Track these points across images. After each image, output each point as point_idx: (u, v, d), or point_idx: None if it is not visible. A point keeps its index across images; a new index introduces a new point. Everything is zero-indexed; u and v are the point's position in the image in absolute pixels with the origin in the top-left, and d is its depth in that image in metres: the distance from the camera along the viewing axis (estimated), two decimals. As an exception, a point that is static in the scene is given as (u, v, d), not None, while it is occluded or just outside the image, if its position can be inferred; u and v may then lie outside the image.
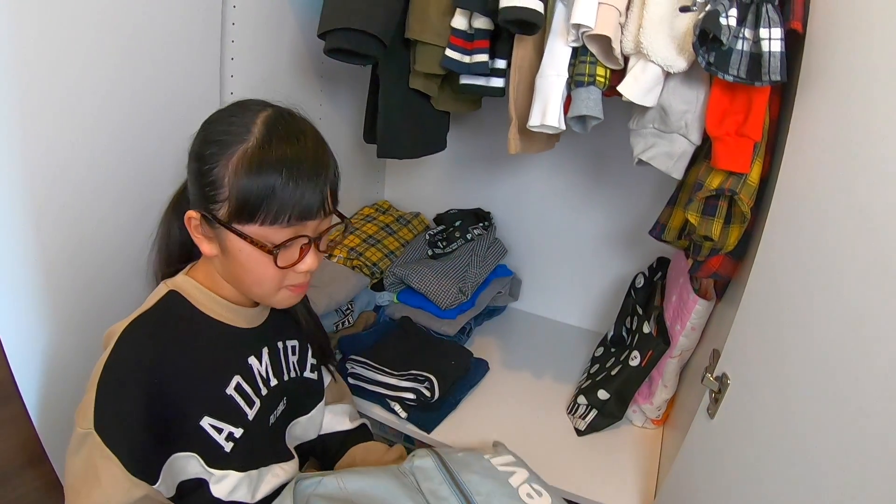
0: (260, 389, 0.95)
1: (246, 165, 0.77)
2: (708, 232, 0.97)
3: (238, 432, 0.90)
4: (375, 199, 2.03)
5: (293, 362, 1.05)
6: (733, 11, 0.85)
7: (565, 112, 1.05)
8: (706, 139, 1.01)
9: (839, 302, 0.68)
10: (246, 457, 0.92)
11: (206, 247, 0.85)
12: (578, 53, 1.02)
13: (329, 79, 1.56)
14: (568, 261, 1.82)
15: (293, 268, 0.86)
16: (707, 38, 0.86)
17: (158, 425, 0.81)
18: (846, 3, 0.76)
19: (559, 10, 1.02)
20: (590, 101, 1.01)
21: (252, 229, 0.80)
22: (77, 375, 1.04)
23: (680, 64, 0.94)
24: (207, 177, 0.80)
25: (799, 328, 0.75)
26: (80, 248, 1.02)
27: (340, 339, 1.51)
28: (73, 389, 1.04)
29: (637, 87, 0.97)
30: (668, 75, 0.98)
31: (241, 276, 0.87)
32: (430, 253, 1.75)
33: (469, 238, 1.74)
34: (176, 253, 0.95)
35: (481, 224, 1.80)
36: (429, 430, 1.32)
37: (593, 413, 1.35)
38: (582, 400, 1.38)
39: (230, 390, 0.90)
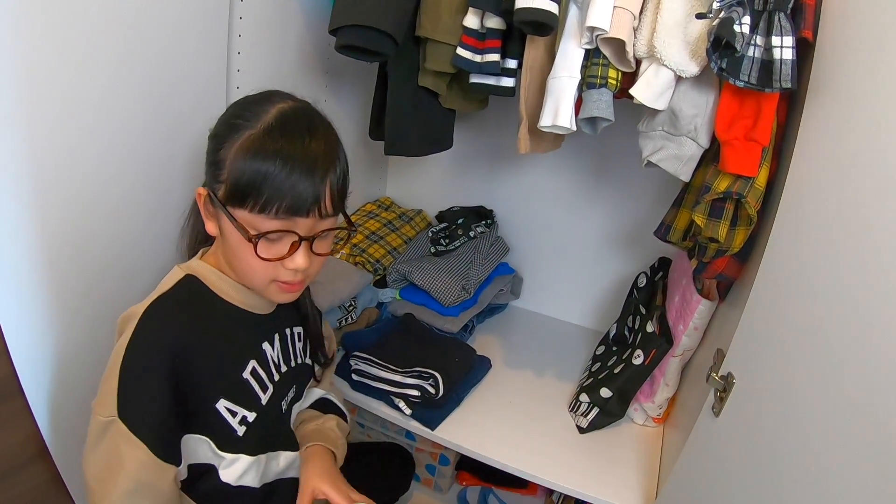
0: (273, 375, 0.97)
1: (245, 149, 0.79)
2: (714, 234, 0.99)
3: (251, 416, 0.91)
4: (377, 195, 2.03)
5: (299, 349, 1.06)
6: (747, 19, 0.86)
7: (576, 113, 1.07)
8: (714, 142, 1.03)
9: (844, 304, 0.69)
10: (256, 441, 0.94)
11: (210, 225, 0.88)
12: (591, 56, 1.03)
13: (334, 75, 1.57)
14: (569, 260, 1.83)
15: (282, 263, 0.85)
16: (720, 44, 0.87)
17: (179, 406, 0.82)
18: (855, 14, 0.78)
19: (573, 12, 1.03)
20: (601, 104, 1.02)
21: (242, 214, 0.81)
22: (81, 370, 1.05)
23: (692, 69, 0.95)
24: (215, 156, 0.84)
25: (804, 329, 0.76)
26: (85, 241, 1.01)
27: (344, 336, 1.51)
28: (77, 385, 1.05)
29: (649, 90, 0.98)
30: (679, 79, 0.99)
31: (232, 261, 0.88)
32: (432, 250, 1.76)
33: (472, 236, 1.75)
34: (203, 235, 0.95)
35: (484, 222, 1.81)
36: (433, 427, 1.33)
37: (595, 411, 1.37)
38: (584, 398, 1.39)
39: (246, 374, 0.91)
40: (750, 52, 0.88)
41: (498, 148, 1.80)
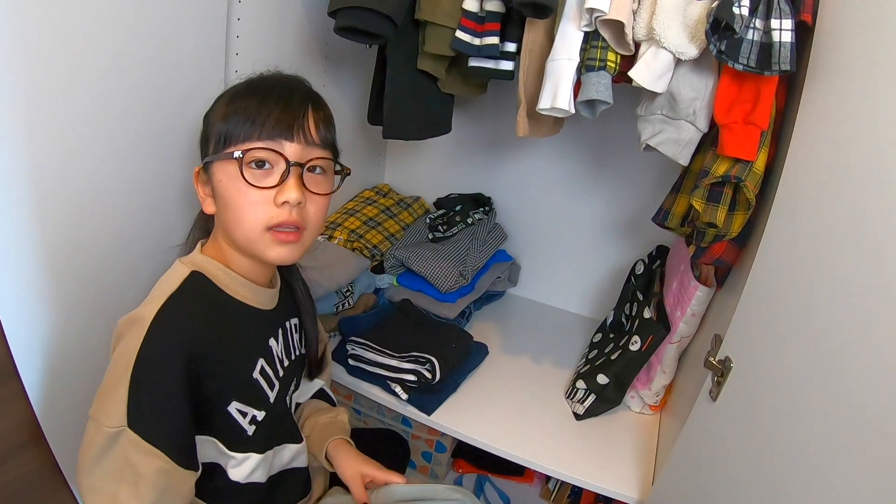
0: (278, 371, 0.96)
1: (229, 96, 0.85)
2: (712, 218, 0.98)
3: (261, 415, 0.90)
4: (376, 182, 2.03)
5: (297, 341, 1.06)
6: (746, 1, 0.86)
7: (575, 96, 1.06)
8: (712, 127, 1.03)
9: (841, 288, 0.69)
10: (265, 439, 0.93)
11: (207, 204, 0.88)
12: (590, 38, 1.03)
13: (334, 60, 1.56)
14: (567, 248, 1.83)
15: (274, 198, 0.82)
16: (719, 26, 0.87)
17: (192, 411, 0.80)
18: (855, -3, 0.77)
19: (572, -6, 1.02)
20: (600, 86, 1.02)
21: (229, 150, 0.82)
22: (77, 354, 1.04)
23: (691, 51, 0.95)
24: (205, 123, 0.88)
25: (802, 313, 0.76)
26: (82, 225, 1.01)
27: (340, 321, 1.51)
28: (74, 369, 1.04)
29: (648, 72, 0.98)
30: (678, 62, 0.99)
31: (226, 220, 0.85)
32: (430, 236, 1.76)
33: (469, 222, 1.75)
34: (203, 231, 0.97)
35: (482, 209, 1.80)
36: (429, 413, 1.33)
37: (592, 398, 1.37)
38: (581, 384, 1.39)
39: (256, 374, 0.90)
40: (749, 36, 0.88)
41: (497, 135, 1.80)
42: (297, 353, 1.05)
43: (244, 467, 0.90)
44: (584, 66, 1.03)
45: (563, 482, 1.73)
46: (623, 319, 1.51)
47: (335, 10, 1.16)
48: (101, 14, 0.91)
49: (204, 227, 0.97)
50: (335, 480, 1.15)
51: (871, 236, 0.65)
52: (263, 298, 0.93)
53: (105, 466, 0.76)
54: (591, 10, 0.97)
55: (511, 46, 1.18)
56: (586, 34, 1.03)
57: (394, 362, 1.36)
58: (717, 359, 0.93)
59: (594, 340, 1.59)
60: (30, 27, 0.83)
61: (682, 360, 1.34)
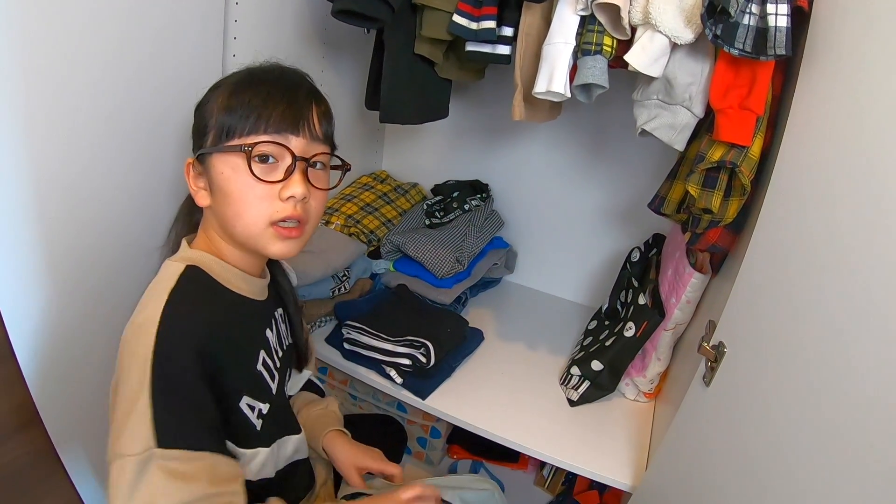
0: (276, 362, 0.95)
1: (231, 88, 0.82)
2: (708, 204, 0.98)
3: (265, 408, 0.89)
4: (373, 168, 2.03)
5: (285, 330, 1.05)
6: (742, -15, 0.86)
7: (571, 80, 1.06)
8: (708, 113, 1.03)
9: (834, 273, 0.69)
10: (271, 432, 0.92)
11: (200, 196, 0.85)
12: (587, 22, 1.03)
13: (332, 46, 1.56)
14: (564, 235, 1.83)
15: (279, 193, 0.80)
16: (715, 10, 0.87)
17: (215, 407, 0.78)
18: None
19: (569, -23, 1.02)
20: (596, 70, 1.02)
21: (233, 143, 0.80)
22: (75, 336, 1.04)
23: (687, 35, 0.95)
24: (200, 114, 0.84)
25: (795, 298, 0.76)
26: (79, 207, 1.01)
27: (336, 305, 1.52)
28: (71, 352, 1.05)
29: (644, 56, 0.98)
30: (674, 47, 0.99)
31: (225, 213, 0.82)
32: (427, 222, 1.76)
33: (466, 209, 1.75)
34: (188, 225, 0.94)
35: (479, 195, 1.81)
36: (423, 397, 1.34)
37: (586, 384, 1.37)
38: (575, 371, 1.40)
39: (259, 366, 0.89)
40: (745, 20, 0.88)
41: (495, 123, 1.80)
42: (287, 342, 1.05)
43: (254, 464, 0.89)
44: (581, 50, 1.03)
45: (557, 470, 1.75)
46: (618, 306, 1.51)
47: (333, -7, 1.16)
48: (98, 6, 0.92)
49: (188, 221, 0.95)
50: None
51: (865, 221, 0.65)
52: (257, 289, 0.92)
53: (142, 496, 0.68)
54: (588, -6, 0.97)
55: (508, 31, 1.18)
56: (583, 18, 1.03)
57: (389, 346, 1.36)
58: (710, 344, 0.93)
59: (589, 327, 1.59)
60: (27, 15, 0.83)
61: (676, 348, 1.34)
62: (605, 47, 1.02)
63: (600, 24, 1.01)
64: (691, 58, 1.00)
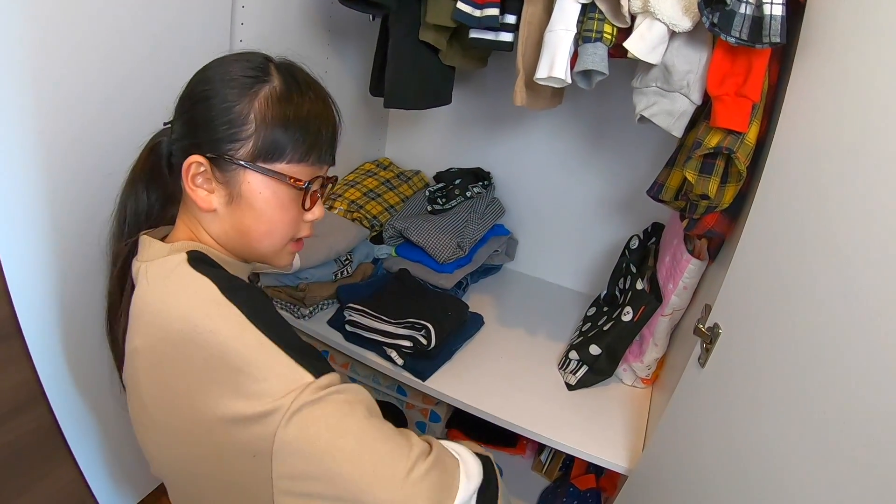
0: None
1: (278, 102, 0.74)
2: (705, 190, 1.00)
3: None
4: (376, 155, 2.05)
5: None
6: (738, -26, 0.88)
7: (572, 67, 1.08)
8: (706, 100, 1.04)
9: (828, 256, 0.71)
10: None
11: (205, 199, 0.76)
12: (587, 10, 1.05)
13: (337, 33, 1.57)
14: (564, 223, 1.85)
15: (304, 216, 0.82)
16: (712, -1, 0.89)
17: None
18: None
19: (570, -34, 1.04)
20: (596, 57, 1.04)
21: (279, 167, 0.75)
22: (82, 313, 1.06)
23: (685, 23, 0.97)
24: (226, 115, 0.73)
25: (789, 280, 0.78)
26: (86, 183, 1.02)
27: (339, 288, 1.54)
28: (78, 328, 1.06)
29: (643, 43, 0.99)
30: (672, 35, 1.01)
31: (250, 227, 0.78)
32: (429, 209, 1.78)
33: (468, 196, 1.77)
34: (133, 223, 0.86)
35: (481, 183, 1.82)
36: (424, 378, 1.36)
37: (584, 369, 1.39)
38: (573, 355, 1.42)
39: None
40: (741, 9, 0.89)
41: (497, 111, 1.81)
42: None
43: None
44: (581, 38, 1.05)
45: (554, 455, 1.77)
46: (617, 293, 1.53)
47: (339, -20, 1.17)
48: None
49: (160, 216, 0.89)
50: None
51: (855, 208, 0.67)
52: (245, 275, 0.91)
53: (351, 429, 0.68)
54: (589, -18, 0.98)
55: (511, 18, 1.20)
56: (584, 6, 1.05)
57: (390, 328, 1.38)
58: (706, 326, 0.95)
59: (588, 314, 1.61)
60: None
61: (674, 335, 1.36)
62: (605, 35, 1.04)
63: (601, 12, 1.03)
64: (689, 46, 1.02)
